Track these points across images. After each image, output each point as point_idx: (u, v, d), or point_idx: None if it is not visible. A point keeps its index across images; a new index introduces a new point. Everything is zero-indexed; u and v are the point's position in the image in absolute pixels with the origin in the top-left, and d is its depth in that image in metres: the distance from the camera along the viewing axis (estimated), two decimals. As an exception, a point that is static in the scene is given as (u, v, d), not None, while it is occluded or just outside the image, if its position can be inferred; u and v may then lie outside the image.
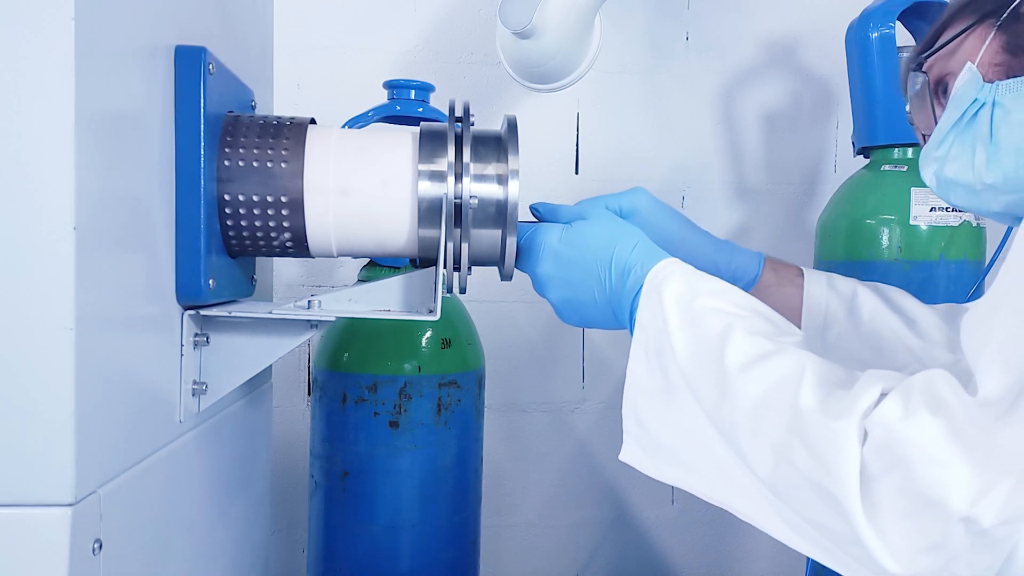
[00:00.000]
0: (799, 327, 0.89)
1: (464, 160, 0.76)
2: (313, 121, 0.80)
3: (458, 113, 0.80)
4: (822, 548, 0.60)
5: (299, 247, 0.78)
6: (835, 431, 0.56)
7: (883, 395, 0.57)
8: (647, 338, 0.70)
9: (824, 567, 1.44)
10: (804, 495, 0.59)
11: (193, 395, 0.75)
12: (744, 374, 0.63)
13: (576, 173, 1.98)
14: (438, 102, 1.39)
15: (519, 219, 0.79)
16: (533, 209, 0.85)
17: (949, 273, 1.39)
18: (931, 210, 1.38)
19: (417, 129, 0.79)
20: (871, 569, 0.55)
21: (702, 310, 0.68)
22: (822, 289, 0.92)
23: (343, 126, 1.33)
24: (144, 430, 0.65)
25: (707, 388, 0.65)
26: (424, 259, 0.79)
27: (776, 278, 0.92)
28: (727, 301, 0.69)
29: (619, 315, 0.76)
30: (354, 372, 1.36)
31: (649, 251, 0.75)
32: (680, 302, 0.69)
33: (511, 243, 0.78)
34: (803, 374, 0.61)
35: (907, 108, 0.83)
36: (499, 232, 0.77)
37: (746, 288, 0.90)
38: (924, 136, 0.80)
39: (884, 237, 1.40)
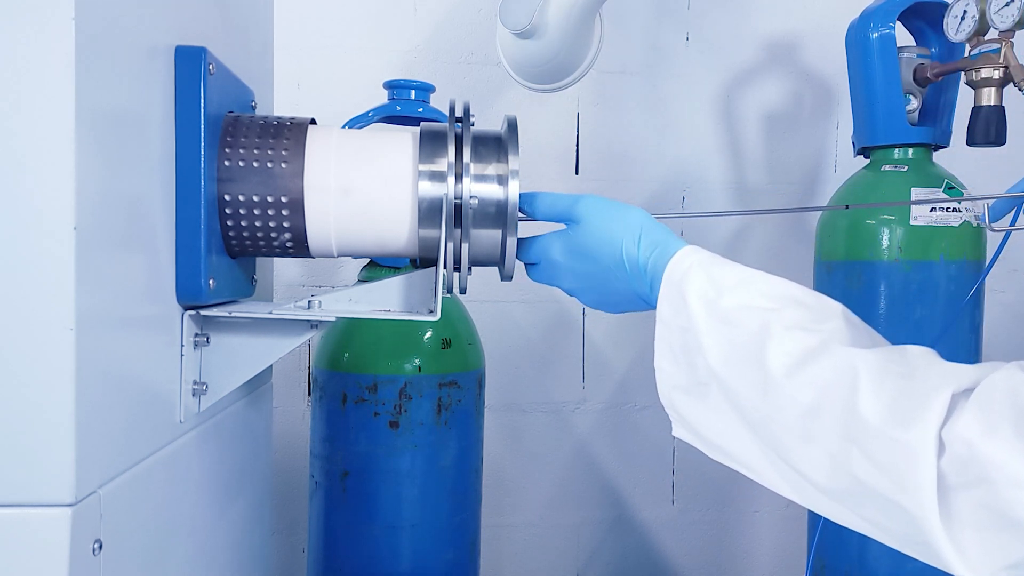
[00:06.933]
0: None
1: (464, 160, 0.76)
2: (313, 121, 0.80)
3: (458, 113, 0.80)
4: (881, 533, 0.59)
5: (299, 247, 0.78)
6: (906, 443, 0.53)
7: (953, 396, 0.54)
8: (671, 335, 0.69)
9: (824, 568, 1.44)
10: (866, 501, 0.57)
11: (193, 395, 0.75)
12: (791, 378, 0.60)
13: (576, 173, 1.98)
14: (438, 102, 1.39)
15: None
16: (520, 208, 0.84)
17: (949, 273, 1.39)
18: (931, 210, 1.38)
19: (417, 129, 0.79)
20: (941, 567, 0.54)
21: (731, 308, 0.65)
22: None
23: (343, 126, 1.33)
24: (144, 430, 0.65)
25: (747, 392, 0.63)
26: (424, 259, 0.79)
27: None
28: (755, 293, 0.66)
29: (650, 302, 0.74)
30: (354, 372, 1.36)
31: (656, 241, 0.73)
32: (705, 299, 0.66)
33: (511, 243, 0.77)
34: (856, 376, 0.57)
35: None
36: (499, 232, 0.77)
37: None
38: None
39: (884, 237, 1.40)
